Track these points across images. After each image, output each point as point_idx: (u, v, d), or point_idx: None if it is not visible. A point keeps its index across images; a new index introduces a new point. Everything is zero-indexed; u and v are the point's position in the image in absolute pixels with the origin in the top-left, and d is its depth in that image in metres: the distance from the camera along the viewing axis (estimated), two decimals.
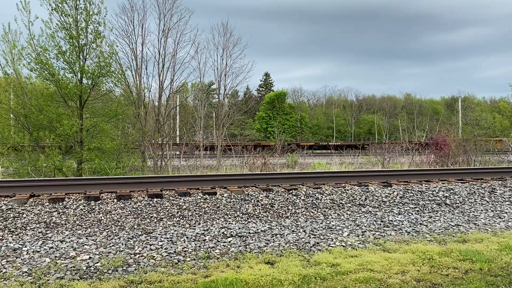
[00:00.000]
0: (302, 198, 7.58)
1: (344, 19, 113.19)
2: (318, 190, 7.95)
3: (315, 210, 7.23)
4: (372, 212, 7.25)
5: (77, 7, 13.70)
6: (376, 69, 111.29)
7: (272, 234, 5.91)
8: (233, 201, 7.22)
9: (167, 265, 4.73)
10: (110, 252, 5.10)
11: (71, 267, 4.60)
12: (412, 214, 7.26)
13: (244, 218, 6.70)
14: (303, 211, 7.14)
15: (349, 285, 4.11)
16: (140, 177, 9.19)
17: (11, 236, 5.68)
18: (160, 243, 5.43)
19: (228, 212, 6.85)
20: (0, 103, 13.73)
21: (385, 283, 4.16)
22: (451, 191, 8.43)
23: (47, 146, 14.01)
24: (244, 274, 4.35)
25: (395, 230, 6.27)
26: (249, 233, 5.92)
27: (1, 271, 4.50)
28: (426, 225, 6.57)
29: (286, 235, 5.88)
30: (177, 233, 5.82)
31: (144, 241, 5.52)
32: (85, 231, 5.94)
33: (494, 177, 10.04)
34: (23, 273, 4.43)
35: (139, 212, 6.62)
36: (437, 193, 8.26)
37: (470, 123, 27.00)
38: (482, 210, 7.62)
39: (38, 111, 13.21)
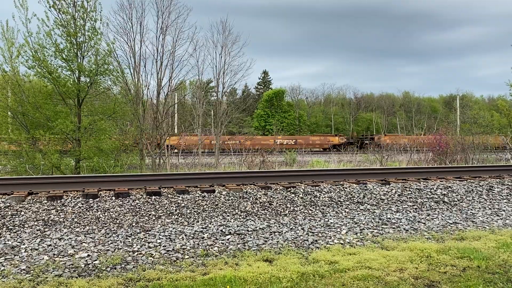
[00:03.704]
0: (301, 196, 7.59)
1: (342, 17, 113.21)
2: (317, 188, 7.96)
3: (313, 208, 7.24)
4: (370, 210, 7.27)
5: (75, 4, 13.65)
6: (374, 67, 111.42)
7: (271, 232, 5.91)
8: (232, 199, 7.22)
9: (166, 262, 4.73)
10: (108, 250, 5.10)
11: (69, 265, 4.59)
12: (410, 212, 7.28)
13: (242, 216, 6.71)
14: (302, 209, 7.15)
15: (347, 282, 4.12)
16: (138, 175, 9.19)
17: (9, 234, 5.67)
18: (158, 241, 5.43)
19: (226, 210, 6.85)
20: None
21: (383, 280, 4.17)
22: (449, 189, 8.45)
23: (44, 144, 13.99)
24: (242, 271, 4.35)
25: (393, 228, 6.28)
26: (248, 230, 5.93)
27: (0, 269, 4.50)
28: (424, 223, 6.58)
29: (285, 232, 5.89)
30: (175, 231, 5.82)
31: (142, 238, 5.52)
32: (83, 228, 5.93)
33: (491, 175, 10.06)
34: (21, 271, 4.43)
35: (138, 209, 6.62)
36: (435, 191, 8.28)
37: (468, 121, 27.06)
38: (480, 208, 7.64)
39: (35, 109, 13.18)
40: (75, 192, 7.30)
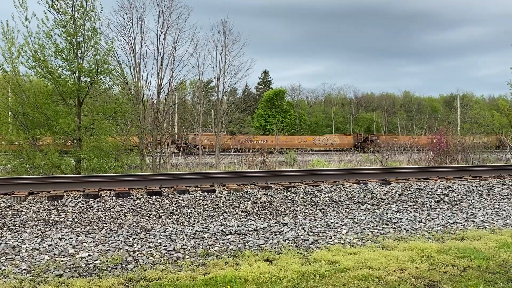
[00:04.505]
0: (301, 195, 7.59)
1: (342, 17, 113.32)
2: (317, 187, 7.96)
3: (313, 207, 7.24)
4: (371, 210, 7.27)
5: (74, 4, 13.65)
6: (374, 67, 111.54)
7: (271, 232, 5.91)
8: (232, 199, 7.22)
9: (166, 262, 4.73)
10: (109, 250, 5.10)
11: (70, 265, 4.60)
12: (410, 211, 7.28)
13: (243, 216, 6.71)
14: (302, 209, 7.15)
15: (348, 282, 4.12)
16: (138, 175, 9.19)
17: (10, 234, 5.67)
18: (159, 241, 5.43)
19: (227, 210, 6.85)
20: None
21: (384, 280, 4.17)
22: (450, 188, 8.44)
23: (44, 144, 14.00)
24: (243, 271, 4.36)
25: (394, 228, 6.28)
26: (248, 230, 5.93)
27: (0, 269, 4.50)
28: (424, 223, 6.58)
29: (285, 232, 5.89)
30: (176, 231, 5.82)
31: (143, 238, 5.52)
32: (84, 228, 5.94)
33: (492, 174, 10.05)
34: (22, 271, 4.43)
35: (138, 209, 6.62)
36: (436, 190, 8.28)
37: (469, 121, 27.07)
38: (480, 207, 7.64)
39: (35, 109, 13.19)
40: (76, 192, 7.31)
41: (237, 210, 6.88)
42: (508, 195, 8.38)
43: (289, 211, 7.05)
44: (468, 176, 9.77)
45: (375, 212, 7.16)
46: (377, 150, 27.72)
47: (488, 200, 8.06)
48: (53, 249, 5.10)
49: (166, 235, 5.64)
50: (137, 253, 5.02)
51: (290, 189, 7.80)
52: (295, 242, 5.50)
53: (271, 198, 7.40)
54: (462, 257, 4.83)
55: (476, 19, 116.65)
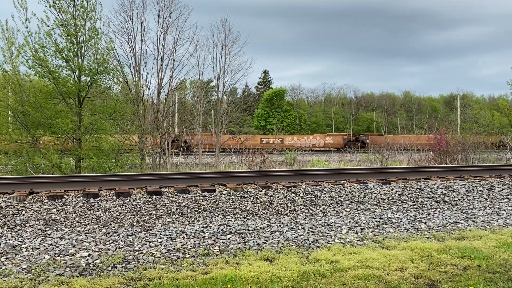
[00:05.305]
0: (301, 195, 7.59)
1: (343, 16, 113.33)
2: (317, 187, 7.96)
3: (314, 207, 7.24)
4: (371, 209, 7.27)
5: (75, 3, 13.65)
6: (374, 67, 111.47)
7: (271, 231, 5.92)
8: (232, 198, 7.23)
9: (167, 262, 4.73)
10: (109, 249, 5.10)
11: (70, 264, 4.60)
12: (410, 211, 7.28)
13: (243, 215, 6.71)
14: (302, 208, 7.15)
15: (348, 281, 4.13)
16: (139, 174, 9.20)
17: (10, 233, 5.67)
18: (159, 240, 5.43)
19: (227, 209, 6.86)
20: None
21: (384, 279, 4.17)
22: (450, 188, 8.45)
23: (44, 144, 14.00)
24: (243, 271, 4.36)
25: (394, 227, 6.29)
26: (248, 230, 5.93)
27: (1, 268, 4.51)
28: (424, 222, 6.59)
29: (285, 232, 5.89)
30: (176, 230, 5.83)
31: (143, 238, 5.53)
32: (84, 228, 5.94)
33: (492, 174, 10.06)
34: (22, 270, 4.44)
35: (138, 209, 6.62)
36: (436, 190, 8.28)
37: (469, 121, 27.08)
38: (480, 207, 7.64)
39: (35, 108, 13.19)
40: (76, 191, 7.31)
41: (237, 210, 6.88)
42: (508, 195, 8.38)
43: (289, 210, 7.05)
44: (468, 176, 9.77)
45: (375, 211, 7.16)
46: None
47: (488, 200, 8.07)
48: (53, 248, 5.11)
49: (167, 235, 5.64)
50: (137, 252, 5.02)
51: (290, 188, 7.80)
52: (295, 241, 5.50)
53: (271, 197, 7.40)
54: (462, 257, 4.83)
55: (476, 19, 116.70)
